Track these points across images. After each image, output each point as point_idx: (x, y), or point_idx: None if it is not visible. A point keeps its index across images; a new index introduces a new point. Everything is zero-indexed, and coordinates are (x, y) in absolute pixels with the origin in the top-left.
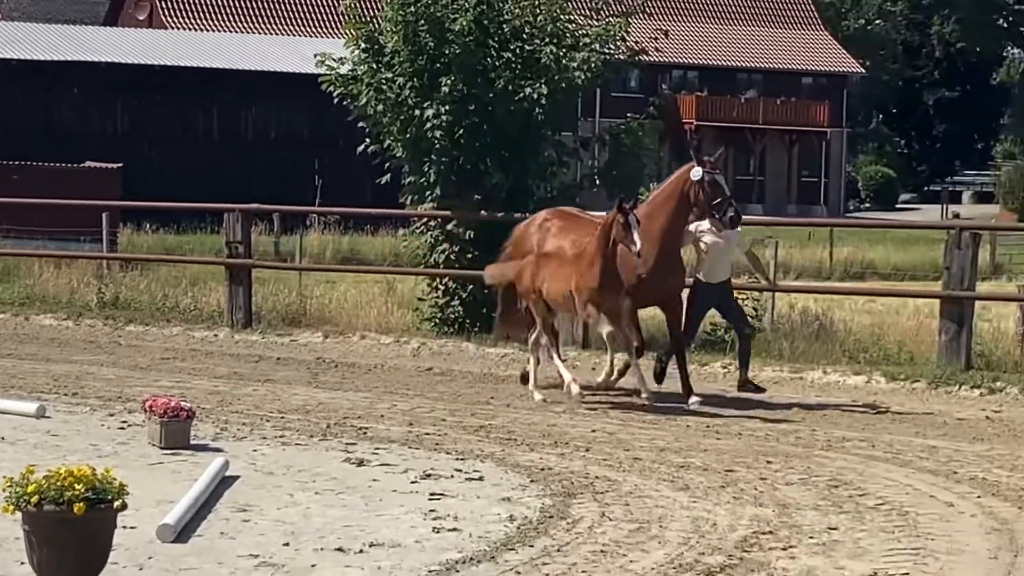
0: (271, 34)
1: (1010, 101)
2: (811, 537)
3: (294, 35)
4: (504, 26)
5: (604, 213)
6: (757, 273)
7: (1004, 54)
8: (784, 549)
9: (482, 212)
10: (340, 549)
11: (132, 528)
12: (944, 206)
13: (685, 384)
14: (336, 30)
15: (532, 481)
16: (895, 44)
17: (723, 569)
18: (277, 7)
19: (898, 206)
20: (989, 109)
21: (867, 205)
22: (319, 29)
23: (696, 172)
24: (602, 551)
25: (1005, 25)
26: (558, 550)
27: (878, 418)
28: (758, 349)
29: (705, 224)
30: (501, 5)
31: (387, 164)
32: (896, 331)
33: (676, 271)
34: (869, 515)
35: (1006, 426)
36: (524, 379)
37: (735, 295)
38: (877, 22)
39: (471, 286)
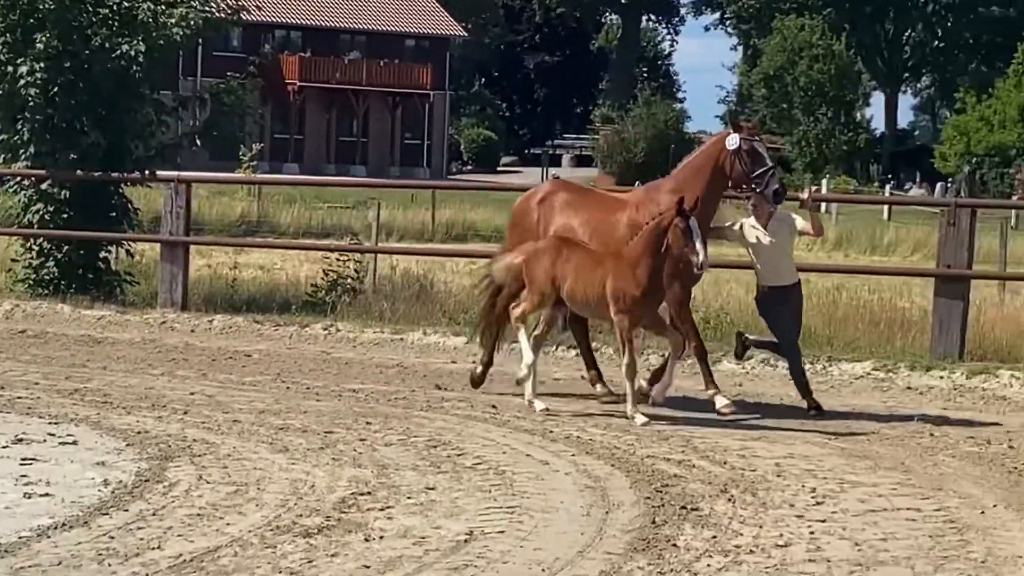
0: None
1: (608, 66)
2: (409, 497)
3: None
4: None
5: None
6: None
7: (602, 20)
8: (382, 509)
9: (78, 171)
10: None
11: None
12: (544, 169)
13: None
14: None
15: (128, 445)
16: (497, 8)
17: (321, 530)
18: None
19: (500, 168)
20: (588, 74)
21: (469, 167)
22: None
23: (732, 140)
24: (199, 514)
25: None
26: (153, 514)
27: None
28: (358, 311)
29: (750, 221)
30: None
31: None
32: None
33: None
34: (467, 474)
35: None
36: (476, 381)
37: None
38: None
39: (67, 247)
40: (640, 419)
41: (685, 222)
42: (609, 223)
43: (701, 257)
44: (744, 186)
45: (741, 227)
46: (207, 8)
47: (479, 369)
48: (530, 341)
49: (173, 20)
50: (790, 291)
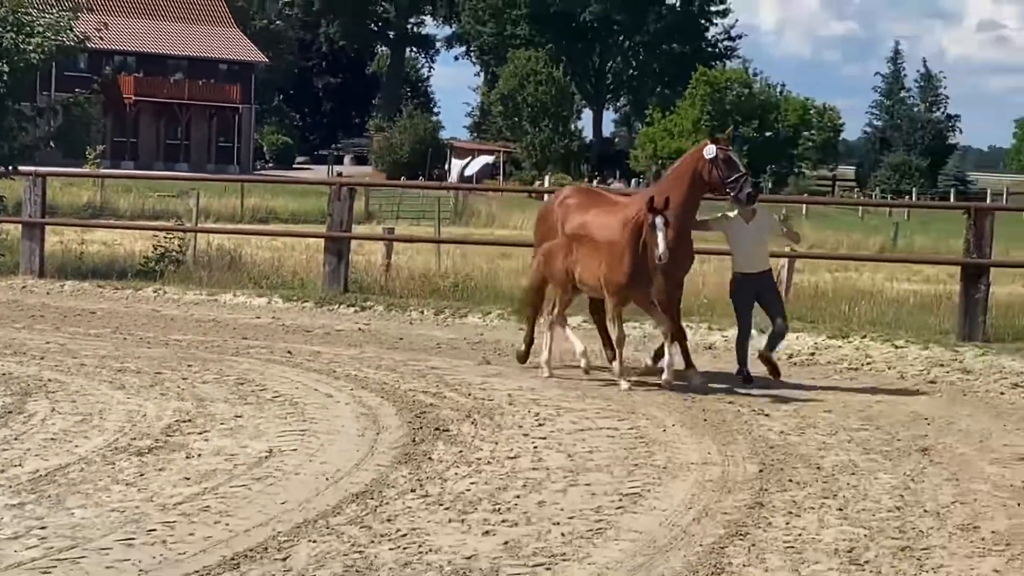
0: None
1: (380, 87)
2: (222, 423)
3: None
4: None
5: (623, 188)
6: (791, 240)
7: (375, 51)
8: (200, 433)
9: None
10: None
11: None
12: (330, 167)
13: (686, 358)
14: None
15: None
16: (292, 40)
17: (151, 450)
18: None
19: (295, 166)
20: (364, 92)
21: (270, 165)
22: None
23: (710, 150)
24: (52, 438)
25: (375, 28)
26: (16, 439)
27: (275, 329)
28: (181, 277)
29: (732, 213)
30: None
31: None
32: (291, 263)
33: (687, 255)
34: (267, 405)
35: (373, 335)
36: (521, 358)
37: (777, 287)
38: (278, 22)
39: None
40: (623, 384)
41: (652, 218)
42: (609, 219)
43: (660, 249)
44: (719, 190)
45: (723, 218)
46: (59, 38)
47: (523, 348)
48: (567, 332)
49: (31, 47)
50: (758, 278)
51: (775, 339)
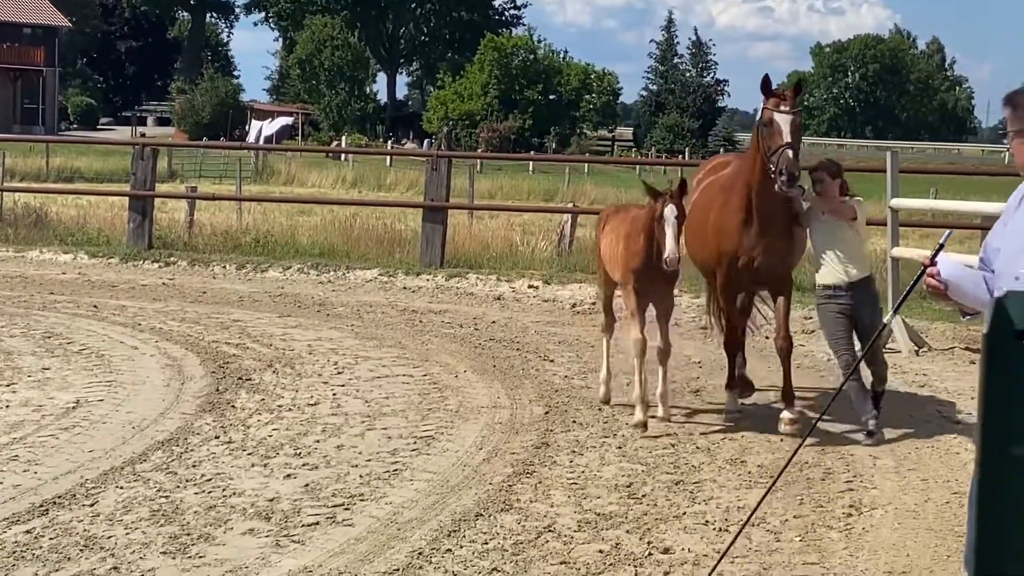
0: None
1: (181, 51)
2: (29, 376)
3: None
4: None
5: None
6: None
7: (176, 16)
8: (8, 386)
9: None
10: None
11: None
12: (133, 128)
13: (786, 388)
14: None
15: None
16: (95, 5)
17: None
18: None
19: (99, 127)
20: (166, 56)
21: (75, 126)
22: None
23: (759, 109)
24: None
25: None
26: None
27: (81, 285)
28: None
29: (818, 202)
30: None
31: None
32: (97, 220)
33: (781, 245)
34: (74, 358)
35: (177, 289)
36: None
37: (878, 308)
38: None
39: None
40: (638, 415)
41: (662, 208)
42: (715, 180)
43: (668, 250)
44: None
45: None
46: None
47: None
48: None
49: None
50: (848, 291)
51: (877, 380)
